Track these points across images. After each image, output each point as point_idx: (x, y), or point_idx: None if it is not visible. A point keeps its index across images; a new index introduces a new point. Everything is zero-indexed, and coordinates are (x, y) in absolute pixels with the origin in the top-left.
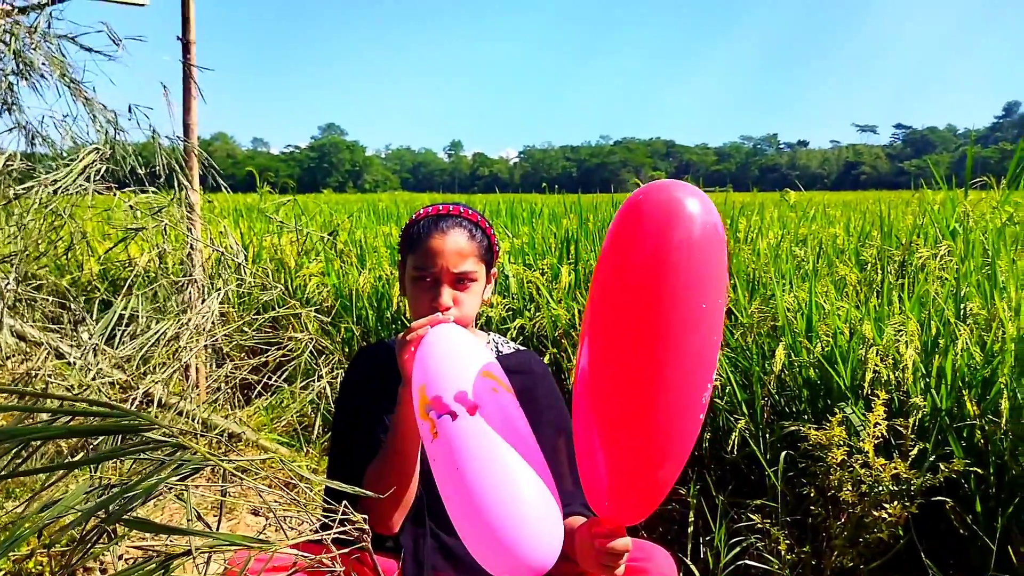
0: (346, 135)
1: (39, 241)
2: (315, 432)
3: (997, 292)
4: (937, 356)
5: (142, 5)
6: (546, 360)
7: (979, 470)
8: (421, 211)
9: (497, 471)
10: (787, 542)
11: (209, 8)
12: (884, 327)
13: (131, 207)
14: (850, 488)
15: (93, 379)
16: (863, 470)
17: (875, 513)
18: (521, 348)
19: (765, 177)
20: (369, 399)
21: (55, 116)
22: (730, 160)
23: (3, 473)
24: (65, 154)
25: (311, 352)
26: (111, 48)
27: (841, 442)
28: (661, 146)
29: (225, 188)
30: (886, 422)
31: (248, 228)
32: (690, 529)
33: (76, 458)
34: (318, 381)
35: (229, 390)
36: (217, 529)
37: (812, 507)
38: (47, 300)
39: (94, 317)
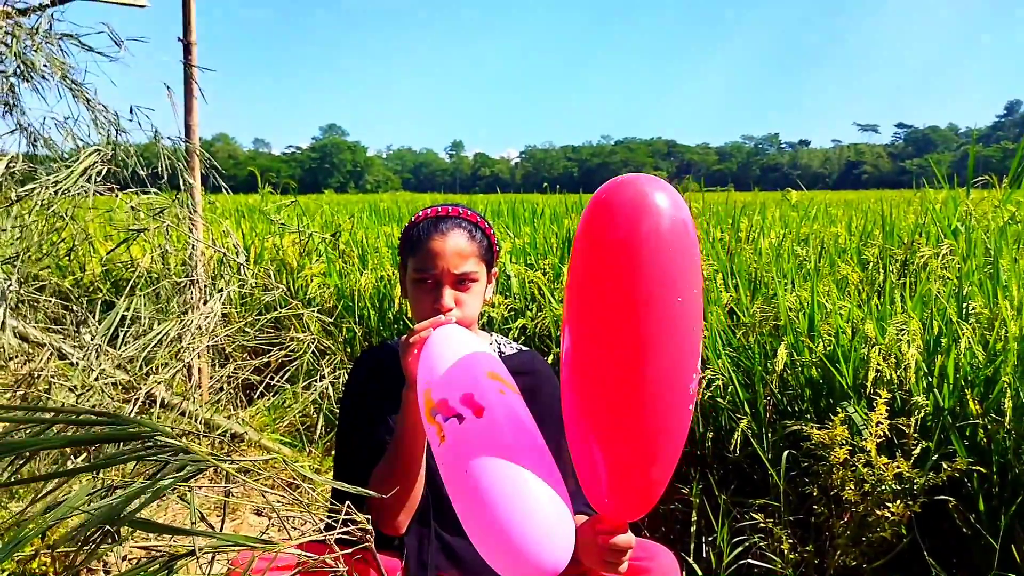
0: (347, 136)
1: (41, 242)
2: (318, 432)
3: (1000, 291)
4: (939, 355)
5: (143, 7)
6: (549, 360)
7: (982, 469)
8: (420, 213)
9: (507, 474)
10: (790, 541)
11: (210, 9)
12: (886, 326)
13: (133, 208)
14: (853, 487)
15: (96, 380)
16: (866, 469)
17: (878, 512)
18: (524, 348)
19: (767, 177)
20: (373, 401)
21: (56, 118)
22: (731, 160)
23: (6, 481)
24: (67, 155)
25: (313, 352)
26: (112, 49)
27: (844, 441)
28: (662, 146)
29: (227, 189)
30: (888, 421)
31: (250, 229)
32: (693, 528)
33: (79, 460)
34: (320, 381)
35: (231, 391)
36: (220, 529)
37: (815, 506)
38: (50, 301)
39: (96, 318)
